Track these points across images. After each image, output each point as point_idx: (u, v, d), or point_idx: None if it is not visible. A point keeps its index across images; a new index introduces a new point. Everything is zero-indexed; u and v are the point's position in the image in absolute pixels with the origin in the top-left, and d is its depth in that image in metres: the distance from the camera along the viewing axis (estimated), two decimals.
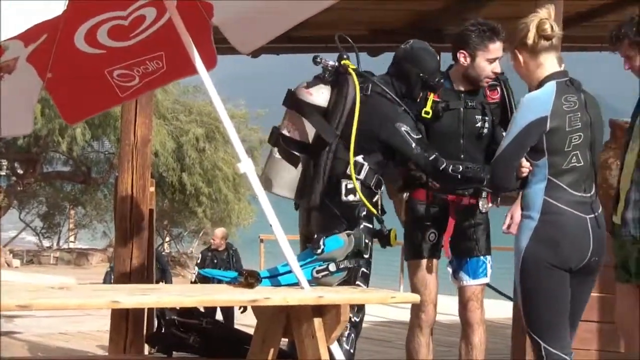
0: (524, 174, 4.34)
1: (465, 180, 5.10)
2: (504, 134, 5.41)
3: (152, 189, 6.34)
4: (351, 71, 4.99)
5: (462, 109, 5.29)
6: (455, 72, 5.35)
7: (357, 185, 4.90)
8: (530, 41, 4.34)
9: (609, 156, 7.02)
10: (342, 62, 4.99)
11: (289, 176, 4.91)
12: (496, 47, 5.27)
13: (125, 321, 6.07)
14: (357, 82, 4.94)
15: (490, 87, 5.37)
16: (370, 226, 4.98)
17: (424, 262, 5.32)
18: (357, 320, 4.99)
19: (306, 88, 4.94)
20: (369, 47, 9.63)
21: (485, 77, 5.28)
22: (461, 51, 5.27)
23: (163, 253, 23.80)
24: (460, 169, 5.03)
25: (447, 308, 7.77)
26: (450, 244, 5.34)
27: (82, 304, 3.99)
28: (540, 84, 4.36)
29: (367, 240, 4.94)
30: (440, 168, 5.00)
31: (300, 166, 4.94)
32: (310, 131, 4.93)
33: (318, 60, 4.98)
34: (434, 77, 5.16)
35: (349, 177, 4.91)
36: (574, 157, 4.30)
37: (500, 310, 10.42)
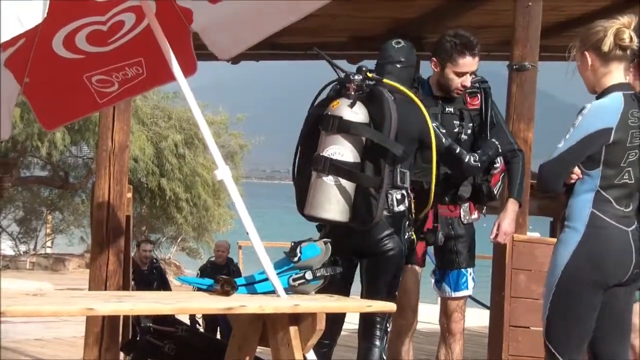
0: (572, 181, 4.25)
1: (482, 168, 5.23)
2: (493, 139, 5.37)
3: (129, 195, 6.31)
4: (389, 82, 4.95)
5: (439, 114, 5.34)
6: (432, 78, 5.41)
7: (432, 191, 4.99)
8: (605, 48, 4.18)
9: None
10: (370, 75, 4.92)
11: (341, 200, 4.78)
12: (466, 62, 5.30)
13: (100, 328, 6.04)
14: (412, 96, 4.93)
15: (471, 94, 5.41)
16: (409, 234, 5.00)
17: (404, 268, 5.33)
18: (390, 328, 5.02)
19: (351, 107, 4.80)
20: (349, 54, 9.65)
21: (454, 89, 5.31)
22: (433, 58, 5.34)
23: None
24: (477, 157, 5.16)
25: (427, 316, 7.77)
26: (435, 255, 5.40)
27: (56, 311, 3.97)
28: (604, 93, 4.26)
29: (407, 251, 4.96)
30: (466, 160, 5.10)
31: (348, 187, 4.79)
32: (360, 150, 4.81)
33: (351, 77, 4.86)
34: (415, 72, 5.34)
35: (396, 188, 4.87)
36: (627, 174, 4.22)
37: (477, 318, 10.43)
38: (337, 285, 4.83)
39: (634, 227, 4.26)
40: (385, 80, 4.97)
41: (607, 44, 4.19)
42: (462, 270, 5.47)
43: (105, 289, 6.04)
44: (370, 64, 5.30)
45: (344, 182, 4.77)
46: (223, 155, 4.57)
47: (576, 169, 4.23)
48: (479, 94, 5.43)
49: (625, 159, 4.20)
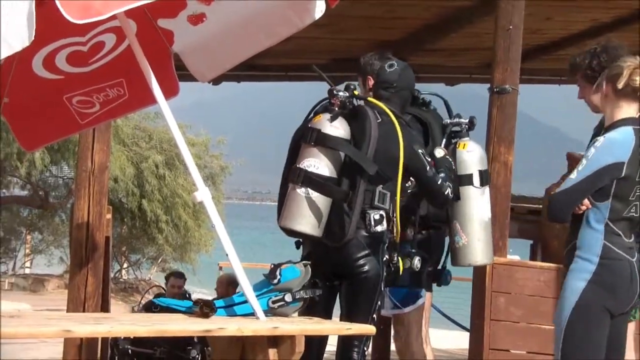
0: (581, 212, 4.35)
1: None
2: None
3: (109, 216, 6.28)
4: (375, 102, 4.96)
5: None
6: None
7: (398, 216, 4.91)
8: (620, 85, 4.36)
9: None
10: (356, 93, 4.93)
11: (312, 213, 4.77)
12: None
13: (78, 350, 6.00)
14: (392, 116, 4.90)
15: None
16: (388, 257, 4.97)
17: None
18: (368, 351, 5.01)
19: (330, 122, 4.81)
20: (330, 75, 9.65)
21: None
22: None
23: (122, 279, 23.71)
24: (451, 189, 5.08)
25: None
26: None
27: (33, 333, 3.93)
28: (613, 125, 4.38)
29: (385, 273, 4.93)
30: (446, 193, 5.04)
31: (321, 201, 4.78)
32: (337, 166, 4.82)
33: (335, 92, 4.88)
34: (415, 91, 5.34)
35: (375, 208, 4.83)
36: (634, 208, 4.35)
37: (458, 341, 10.42)
38: (319, 309, 4.82)
39: (636, 257, 4.39)
40: (371, 99, 4.98)
41: (622, 82, 4.36)
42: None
43: (84, 311, 6.00)
44: (353, 85, 5.30)
45: (317, 195, 4.77)
46: (204, 177, 4.56)
47: (585, 200, 4.34)
48: None
49: (634, 193, 4.33)
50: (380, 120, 4.88)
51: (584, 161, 4.31)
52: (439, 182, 5.02)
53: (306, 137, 4.85)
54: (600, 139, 4.35)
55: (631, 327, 5.16)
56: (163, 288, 10.21)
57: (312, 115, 5.01)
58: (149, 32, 4.86)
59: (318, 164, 4.80)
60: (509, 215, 6.34)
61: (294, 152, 4.95)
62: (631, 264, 4.35)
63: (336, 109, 4.87)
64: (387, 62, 5.24)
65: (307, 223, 4.78)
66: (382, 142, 4.84)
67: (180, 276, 9.38)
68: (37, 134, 5.33)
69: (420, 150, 4.98)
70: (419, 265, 5.11)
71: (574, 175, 4.31)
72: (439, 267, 5.46)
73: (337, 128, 4.81)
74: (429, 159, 5.03)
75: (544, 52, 9.39)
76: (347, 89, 4.92)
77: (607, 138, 4.34)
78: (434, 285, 5.77)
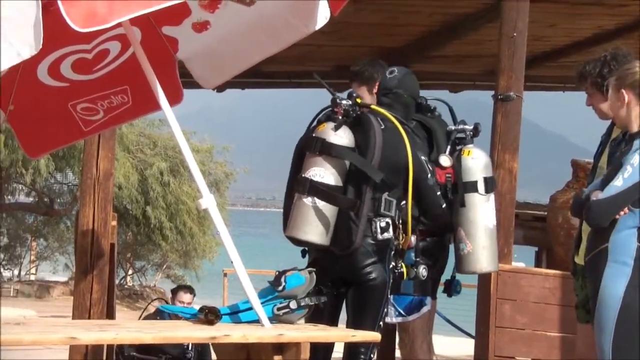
0: (618, 217, 4.36)
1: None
2: None
3: (114, 223, 6.29)
4: (378, 109, 4.96)
5: None
6: None
7: (410, 223, 4.91)
8: None
9: (570, 196, 7.08)
10: (359, 101, 4.93)
11: (319, 222, 4.77)
12: None
13: (84, 357, 6.00)
14: (395, 122, 4.90)
15: None
16: (394, 264, 4.97)
17: None
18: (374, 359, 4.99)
19: (335, 131, 4.82)
20: (334, 83, 9.66)
21: None
22: None
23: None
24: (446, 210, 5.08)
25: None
26: None
27: (38, 340, 3.93)
28: None
29: (391, 280, 4.93)
30: (443, 206, 5.05)
31: (328, 210, 4.78)
32: (342, 174, 4.83)
33: (338, 101, 4.89)
34: (420, 98, 5.31)
35: (381, 215, 4.83)
36: None
37: (463, 348, 10.42)
38: (325, 316, 4.83)
39: None
40: (374, 107, 4.98)
41: None
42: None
43: (89, 317, 6.01)
44: (356, 93, 5.30)
45: (323, 204, 4.77)
46: (208, 184, 4.57)
47: None
48: None
49: None
50: (384, 127, 4.88)
51: (629, 168, 4.29)
52: (438, 193, 5.03)
53: (311, 146, 4.85)
54: None
55: None
56: (166, 301, 9.75)
57: (315, 123, 5.02)
58: (153, 39, 4.87)
59: (323, 173, 4.80)
60: (513, 222, 6.34)
61: (298, 161, 4.96)
62: None
63: (340, 117, 4.88)
64: (387, 69, 5.27)
65: (314, 232, 4.78)
66: (386, 149, 4.84)
67: (190, 291, 8.46)
68: (41, 141, 5.35)
69: (423, 158, 4.99)
70: (425, 274, 5.10)
71: (619, 182, 4.29)
72: (450, 276, 5.44)
73: (342, 137, 4.82)
74: (431, 168, 5.03)
75: (548, 59, 9.39)
76: (349, 97, 4.93)
77: None
78: (442, 294, 5.77)
